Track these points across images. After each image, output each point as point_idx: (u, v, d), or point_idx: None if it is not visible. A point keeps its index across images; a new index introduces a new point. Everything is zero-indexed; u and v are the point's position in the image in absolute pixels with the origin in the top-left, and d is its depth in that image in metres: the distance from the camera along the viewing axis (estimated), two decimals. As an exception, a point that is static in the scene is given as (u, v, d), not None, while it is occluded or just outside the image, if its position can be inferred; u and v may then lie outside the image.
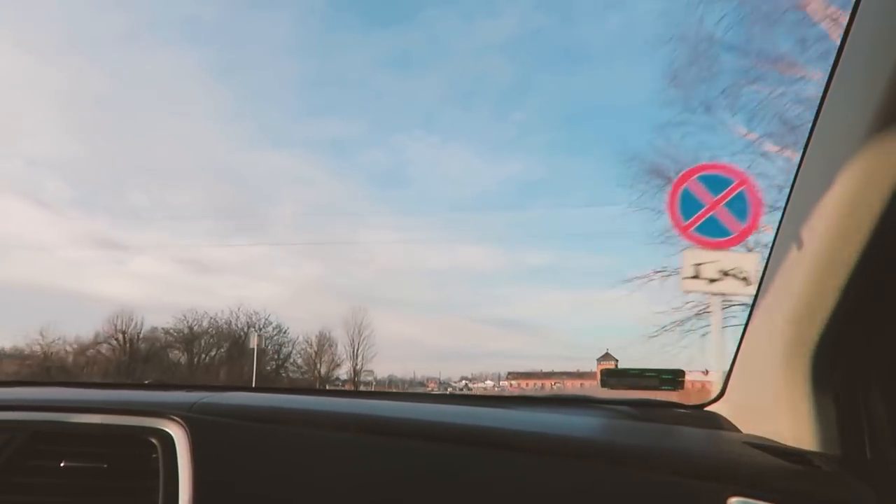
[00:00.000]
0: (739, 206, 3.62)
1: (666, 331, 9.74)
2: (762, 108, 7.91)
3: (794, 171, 0.84)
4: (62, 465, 0.87)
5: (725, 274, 3.52)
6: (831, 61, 0.71)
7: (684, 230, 3.68)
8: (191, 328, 26.36)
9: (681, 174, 3.91)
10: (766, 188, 7.31)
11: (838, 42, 0.70)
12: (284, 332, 27.64)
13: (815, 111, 0.77)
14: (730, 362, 1.12)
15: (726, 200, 3.63)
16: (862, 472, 0.79)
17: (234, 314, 26.98)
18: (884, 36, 0.60)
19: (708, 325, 7.76)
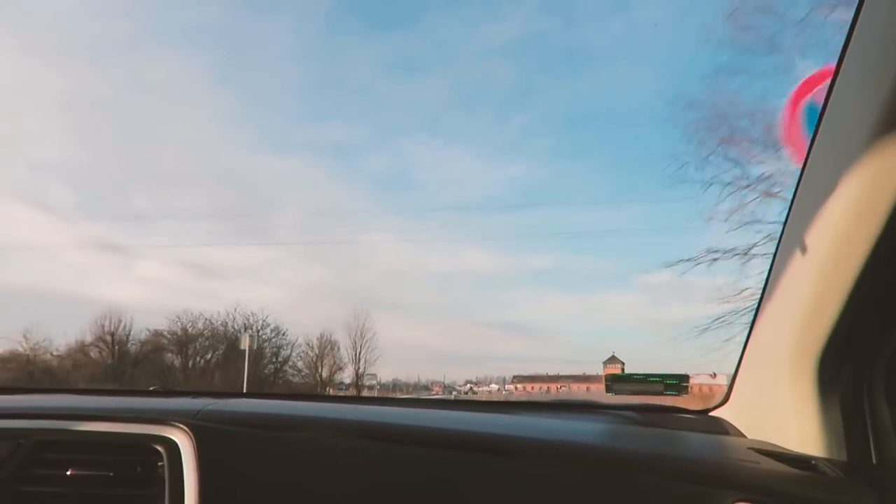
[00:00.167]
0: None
1: (682, 331, 9.43)
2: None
3: (797, 177, 0.84)
4: (68, 473, 0.87)
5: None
6: (833, 64, 0.71)
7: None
8: (185, 330, 25.49)
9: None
10: (770, 199, 7.13)
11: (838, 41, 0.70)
12: (283, 334, 27.09)
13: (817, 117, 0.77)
14: (734, 367, 1.12)
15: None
16: (868, 478, 0.79)
17: (231, 316, 26.10)
18: (888, 39, 0.60)
19: (720, 326, 7.67)
